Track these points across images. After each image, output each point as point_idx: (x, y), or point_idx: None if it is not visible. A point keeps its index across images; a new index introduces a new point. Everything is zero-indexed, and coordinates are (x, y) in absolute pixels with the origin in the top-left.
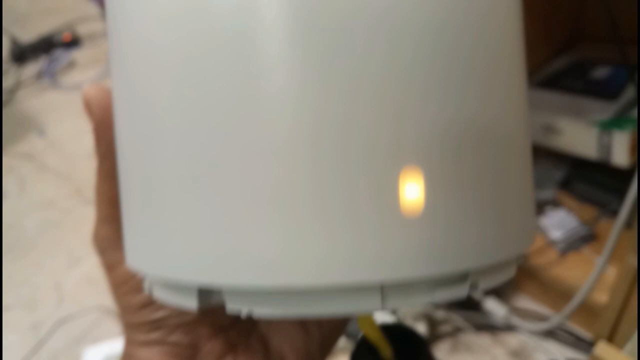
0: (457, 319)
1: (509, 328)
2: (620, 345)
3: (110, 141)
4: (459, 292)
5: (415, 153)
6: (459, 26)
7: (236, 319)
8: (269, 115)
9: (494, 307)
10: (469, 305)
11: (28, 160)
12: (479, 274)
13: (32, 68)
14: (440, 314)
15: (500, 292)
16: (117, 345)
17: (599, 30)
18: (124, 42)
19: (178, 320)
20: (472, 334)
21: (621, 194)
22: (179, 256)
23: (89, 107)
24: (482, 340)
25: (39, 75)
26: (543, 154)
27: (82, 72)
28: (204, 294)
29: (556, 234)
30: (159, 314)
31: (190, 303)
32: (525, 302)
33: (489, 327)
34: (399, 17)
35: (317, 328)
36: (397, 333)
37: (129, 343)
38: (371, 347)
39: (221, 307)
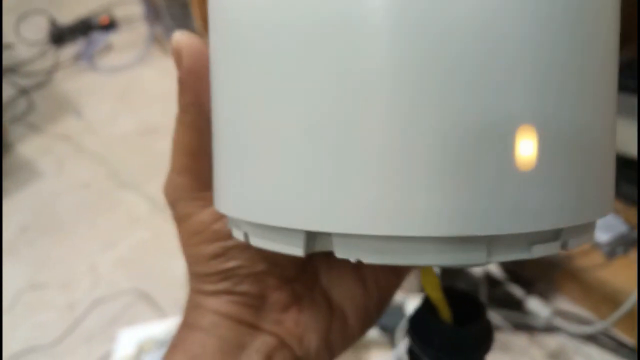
0: (495, 317)
1: (548, 329)
2: None
3: (197, 92)
4: (553, 248)
5: (531, 118)
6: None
7: (301, 272)
8: (386, 74)
9: (537, 307)
10: (509, 304)
11: (65, 142)
12: (570, 233)
13: (69, 50)
14: None
15: (542, 292)
16: (151, 329)
17: None
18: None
19: (248, 270)
20: (510, 333)
21: None
22: (291, 203)
23: (178, 54)
24: (520, 340)
25: (77, 58)
26: None
27: (118, 55)
28: (310, 240)
29: (602, 236)
30: (230, 264)
31: (296, 249)
32: (565, 304)
33: (527, 327)
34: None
35: (375, 286)
36: (457, 297)
37: (197, 293)
38: (432, 307)
39: (325, 253)
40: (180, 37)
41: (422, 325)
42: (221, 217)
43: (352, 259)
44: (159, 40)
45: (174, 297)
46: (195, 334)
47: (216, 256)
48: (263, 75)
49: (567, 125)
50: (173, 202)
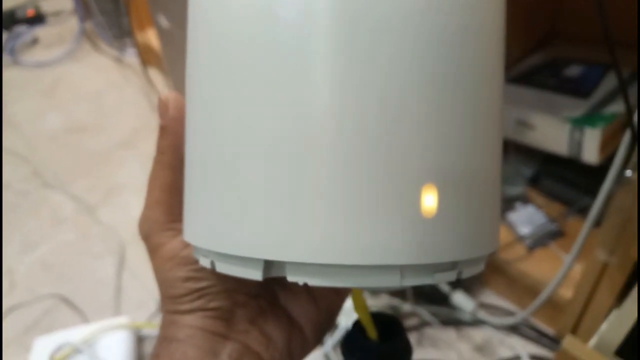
0: (423, 312)
1: (474, 323)
2: (584, 340)
3: (177, 136)
4: (450, 276)
5: (433, 176)
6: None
7: (263, 290)
8: (326, 133)
9: (462, 302)
10: (436, 299)
11: None
12: (464, 264)
13: None
14: (406, 307)
15: (467, 287)
16: (70, 334)
17: (574, 29)
18: (204, 53)
19: (218, 288)
20: (438, 328)
21: (589, 192)
22: (253, 237)
23: (165, 107)
24: (448, 334)
25: None
26: (513, 151)
27: (45, 50)
28: (268, 266)
29: (524, 229)
30: (202, 284)
31: (256, 274)
32: (491, 297)
33: (454, 321)
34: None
35: (325, 302)
36: (382, 318)
37: (173, 313)
38: (361, 328)
39: (280, 278)
40: (168, 94)
41: (352, 342)
42: (188, 244)
43: (301, 282)
44: (89, 36)
45: (97, 301)
46: (175, 345)
47: (189, 278)
48: (225, 124)
49: (462, 185)
50: (146, 235)
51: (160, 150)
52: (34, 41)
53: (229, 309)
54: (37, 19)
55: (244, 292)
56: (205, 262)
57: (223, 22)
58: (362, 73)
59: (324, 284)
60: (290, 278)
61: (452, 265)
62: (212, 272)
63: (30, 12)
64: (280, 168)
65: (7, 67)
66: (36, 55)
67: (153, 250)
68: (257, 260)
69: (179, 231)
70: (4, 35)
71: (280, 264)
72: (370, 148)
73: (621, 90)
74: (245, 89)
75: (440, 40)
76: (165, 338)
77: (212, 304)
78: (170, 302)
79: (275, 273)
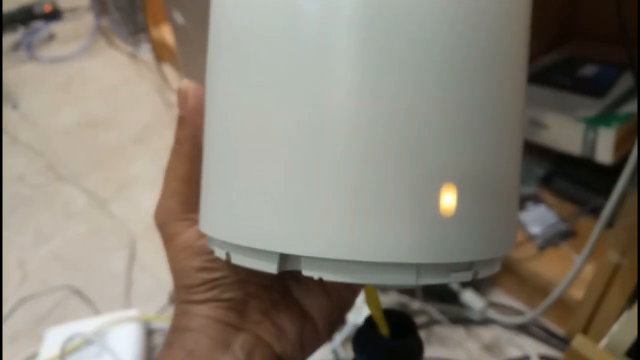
0: (432, 310)
1: (483, 322)
2: (594, 342)
3: (195, 127)
4: (467, 276)
5: (452, 175)
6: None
7: (276, 282)
8: (342, 128)
9: (472, 300)
10: (445, 298)
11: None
12: (480, 264)
13: (9, 38)
14: (416, 305)
15: (477, 286)
16: (81, 325)
17: (589, 29)
18: (225, 48)
19: (231, 279)
20: (447, 326)
21: (600, 192)
22: (270, 231)
23: (185, 97)
24: (457, 333)
25: (16, 47)
26: (526, 150)
27: (61, 46)
28: (283, 260)
29: (535, 229)
30: (215, 275)
31: (271, 267)
32: (500, 296)
33: (464, 320)
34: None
35: (337, 296)
36: (394, 315)
37: (186, 302)
38: (373, 324)
39: (296, 271)
40: (188, 83)
41: (364, 338)
42: (203, 235)
43: (316, 277)
44: (104, 32)
45: (108, 294)
46: (188, 334)
47: (203, 269)
48: (243, 116)
49: (480, 185)
50: (162, 223)
51: (178, 141)
52: (51, 37)
53: (242, 300)
54: (54, 15)
55: (257, 284)
56: (220, 253)
57: (245, 13)
58: (381, 67)
59: (339, 280)
60: (305, 272)
61: (469, 266)
62: (226, 263)
63: (47, 8)
64: (298, 162)
65: (24, 63)
66: (52, 50)
67: (168, 239)
68: (273, 253)
69: (194, 221)
70: (21, 31)
71: (296, 258)
72: (389, 144)
73: (637, 90)
74: (264, 83)
75: (463, 35)
76: (178, 327)
77: (226, 295)
78: (183, 292)
79: (290, 267)
